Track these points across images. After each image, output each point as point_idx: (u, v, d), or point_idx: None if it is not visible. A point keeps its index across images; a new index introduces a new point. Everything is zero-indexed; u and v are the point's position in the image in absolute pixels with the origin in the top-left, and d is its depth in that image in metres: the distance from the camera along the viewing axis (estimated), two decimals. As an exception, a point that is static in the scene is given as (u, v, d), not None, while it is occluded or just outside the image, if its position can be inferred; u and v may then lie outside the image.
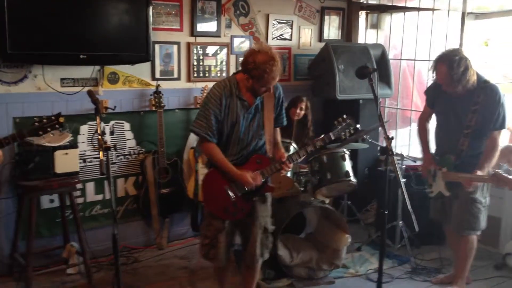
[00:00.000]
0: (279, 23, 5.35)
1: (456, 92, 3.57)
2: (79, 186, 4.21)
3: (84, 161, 4.40)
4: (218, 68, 4.99)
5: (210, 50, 4.92)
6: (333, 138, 3.22)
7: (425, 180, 3.99)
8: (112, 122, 4.52)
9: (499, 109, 3.55)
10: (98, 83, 4.38)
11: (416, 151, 5.56)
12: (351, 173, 4.20)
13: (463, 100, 3.60)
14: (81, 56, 4.03)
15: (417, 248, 4.70)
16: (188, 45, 4.80)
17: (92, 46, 4.09)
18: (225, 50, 5.01)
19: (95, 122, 2.79)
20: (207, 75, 4.94)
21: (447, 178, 3.72)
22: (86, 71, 4.30)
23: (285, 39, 5.43)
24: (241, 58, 3.23)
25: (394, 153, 3.11)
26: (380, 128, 4.18)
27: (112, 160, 4.52)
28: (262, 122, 3.25)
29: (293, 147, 4.14)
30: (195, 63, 4.86)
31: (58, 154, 3.89)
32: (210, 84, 3.54)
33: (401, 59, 5.78)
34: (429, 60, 5.36)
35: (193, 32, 4.79)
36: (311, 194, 4.25)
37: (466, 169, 3.60)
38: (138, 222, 4.80)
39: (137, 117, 4.65)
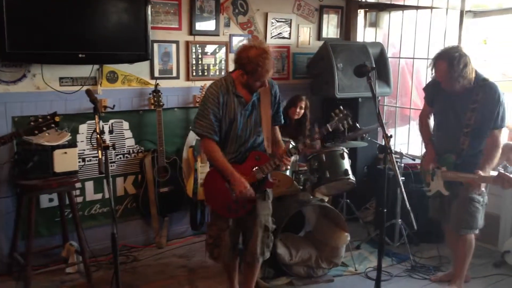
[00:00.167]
0: (277, 21, 5.35)
1: (454, 90, 3.54)
2: (78, 185, 4.21)
3: (83, 160, 4.40)
4: (217, 67, 4.98)
5: (209, 49, 4.92)
6: (330, 129, 3.23)
7: (423, 179, 3.98)
8: (111, 121, 4.51)
9: (498, 107, 3.52)
10: (97, 82, 4.38)
11: (415, 149, 5.57)
12: (350, 172, 4.20)
13: (462, 98, 3.57)
14: (80, 55, 4.03)
15: (416, 246, 4.72)
16: (187, 44, 4.80)
17: (91, 45, 4.09)
18: (224, 49, 5.00)
19: (94, 121, 2.79)
20: (206, 74, 4.94)
21: (446, 177, 3.71)
22: (85, 70, 4.30)
23: (283, 37, 5.43)
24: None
25: (393, 151, 3.12)
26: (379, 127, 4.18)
27: (111, 159, 4.53)
28: (259, 118, 3.27)
29: (292, 145, 4.14)
30: (194, 62, 4.86)
31: (57, 153, 3.89)
32: (209, 83, 3.54)
33: (399, 58, 5.78)
34: (427, 59, 5.35)
35: (191, 31, 4.79)
36: (310, 193, 4.25)
37: (466, 168, 3.58)
38: (137, 221, 4.80)
39: (136, 116, 4.65)
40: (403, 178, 4.34)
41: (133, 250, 4.67)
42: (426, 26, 5.37)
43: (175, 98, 4.80)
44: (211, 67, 4.97)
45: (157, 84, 4.57)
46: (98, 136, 2.74)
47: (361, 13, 5.98)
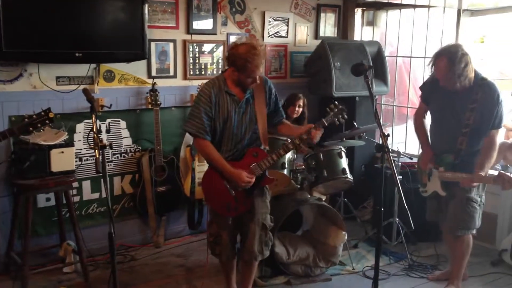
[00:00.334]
0: (275, 20, 5.34)
1: (453, 89, 3.50)
2: (75, 184, 4.20)
3: (80, 159, 4.39)
4: (214, 66, 4.98)
5: (206, 47, 4.92)
6: (326, 124, 3.23)
7: (419, 179, 3.94)
8: (108, 120, 4.51)
9: (497, 107, 3.49)
10: (94, 81, 4.37)
11: (412, 148, 5.58)
12: (347, 171, 4.20)
13: (461, 97, 3.54)
14: (77, 54, 4.01)
15: (414, 245, 4.72)
16: (184, 42, 4.79)
17: (87, 44, 4.08)
18: (221, 48, 5.00)
19: (91, 120, 2.78)
20: (203, 72, 4.94)
21: (444, 178, 3.67)
22: (82, 69, 4.29)
23: (281, 36, 5.43)
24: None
25: (390, 150, 3.11)
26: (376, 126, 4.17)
27: (108, 159, 4.52)
28: (254, 115, 3.29)
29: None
30: (191, 61, 4.85)
31: (54, 152, 3.88)
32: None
33: (397, 56, 5.79)
34: (425, 57, 5.37)
35: (189, 30, 4.78)
36: (307, 192, 4.25)
37: (464, 168, 3.55)
38: (135, 221, 4.79)
39: (133, 115, 4.64)
40: (401, 177, 4.35)
41: (130, 249, 4.67)
42: (424, 25, 5.38)
43: (172, 97, 4.79)
44: (209, 66, 4.96)
45: (154, 83, 4.56)
46: (95, 135, 2.73)
47: (358, 11, 5.98)
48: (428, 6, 5.31)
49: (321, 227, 4.32)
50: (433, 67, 3.59)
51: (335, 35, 5.83)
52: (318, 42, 5.40)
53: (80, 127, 4.36)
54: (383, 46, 5.58)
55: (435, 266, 4.35)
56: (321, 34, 5.70)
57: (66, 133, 4.13)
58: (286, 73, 5.54)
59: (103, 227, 4.44)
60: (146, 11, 4.27)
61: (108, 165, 4.53)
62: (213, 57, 4.97)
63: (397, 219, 4.64)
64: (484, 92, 3.48)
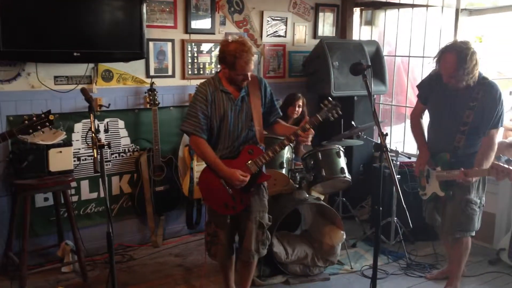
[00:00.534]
0: (273, 20, 5.34)
1: (457, 86, 3.42)
2: (73, 184, 4.20)
3: (79, 159, 4.38)
4: (212, 66, 4.97)
5: (205, 47, 4.91)
6: (320, 119, 3.23)
7: (418, 182, 3.89)
8: (107, 120, 4.50)
9: (498, 107, 3.43)
10: (92, 81, 4.37)
11: (410, 148, 5.58)
12: (346, 170, 4.20)
13: (461, 95, 3.48)
14: (75, 54, 4.01)
15: (412, 244, 4.73)
16: (183, 42, 4.79)
17: (85, 44, 4.07)
18: (219, 48, 4.98)
19: (89, 120, 2.78)
20: (201, 72, 4.93)
21: (441, 177, 3.61)
22: (80, 69, 4.28)
23: (279, 36, 5.42)
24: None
25: (389, 149, 3.11)
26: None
27: (106, 158, 4.52)
28: (250, 113, 3.31)
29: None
30: (190, 61, 4.85)
31: (52, 152, 3.88)
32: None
33: (395, 56, 5.79)
34: (423, 57, 5.37)
35: (187, 29, 4.78)
36: (306, 191, 4.25)
37: (461, 167, 3.45)
38: (133, 220, 4.79)
39: (131, 115, 4.63)
40: (399, 176, 4.35)
41: (129, 249, 4.66)
42: (422, 25, 5.39)
43: (170, 96, 4.79)
44: (207, 66, 4.96)
45: (153, 82, 4.56)
46: (93, 135, 2.73)
47: (356, 11, 5.98)
48: (427, 6, 5.32)
49: (320, 227, 4.32)
50: (438, 62, 3.49)
51: (334, 35, 5.83)
52: (316, 41, 5.40)
53: (78, 127, 4.36)
54: (381, 45, 5.58)
55: (433, 265, 4.35)
56: (320, 33, 5.70)
57: (64, 132, 4.12)
58: (285, 72, 5.54)
59: (102, 226, 4.45)
60: (144, 10, 4.27)
61: (107, 165, 4.53)
62: (211, 57, 4.96)
63: (395, 218, 4.64)
64: (485, 91, 3.42)
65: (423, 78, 4.07)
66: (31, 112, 4.01)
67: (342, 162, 4.20)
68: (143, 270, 4.28)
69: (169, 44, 4.71)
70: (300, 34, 5.58)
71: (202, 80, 3.38)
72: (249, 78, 3.25)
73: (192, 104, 3.28)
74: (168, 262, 4.45)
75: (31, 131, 2.91)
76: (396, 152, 4.63)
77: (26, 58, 3.96)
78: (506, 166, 3.20)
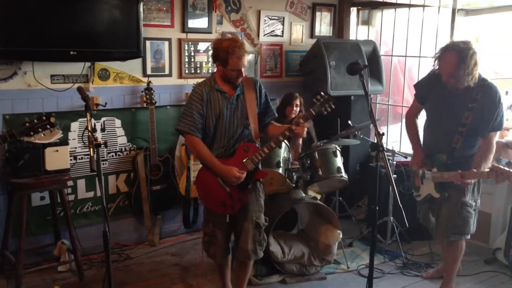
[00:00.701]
0: (270, 19, 5.34)
1: (456, 86, 3.38)
2: (70, 183, 4.20)
3: (75, 158, 4.38)
4: (209, 65, 4.97)
5: (202, 46, 4.91)
6: (314, 113, 3.25)
7: (412, 183, 3.84)
8: (103, 119, 4.50)
9: (498, 109, 3.40)
10: (89, 80, 4.36)
11: (407, 147, 5.58)
12: (342, 169, 4.21)
13: (460, 96, 3.43)
14: (72, 53, 4.00)
15: (408, 244, 4.74)
16: (179, 41, 4.78)
17: (82, 43, 4.07)
18: (216, 47, 4.99)
19: (85, 119, 2.78)
20: (198, 71, 4.93)
21: (437, 178, 3.57)
22: (77, 68, 4.28)
23: (276, 35, 5.43)
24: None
25: (385, 149, 3.11)
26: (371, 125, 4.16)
27: (103, 157, 4.51)
28: (245, 111, 3.33)
29: (285, 143, 4.14)
30: (187, 60, 4.85)
31: (48, 151, 3.88)
32: (201, 81, 3.56)
33: (392, 56, 5.80)
34: (420, 57, 5.38)
35: (184, 29, 4.78)
36: (302, 190, 4.25)
37: (456, 170, 3.42)
38: (130, 219, 4.79)
39: (128, 114, 4.63)
40: (395, 176, 4.36)
41: (125, 248, 4.66)
42: (418, 24, 5.39)
43: (167, 95, 4.79)
44: (204, 65, 4.96)
45: (150, 81, 4.56)
46: (89, 133, 2.73)
47: (353, 11, 5.98)
48: (423, 6, 5.32)
49: (316, 226, 4.33)
50: (438, 61, 3.45)
51: (331, 34, 5.84)
52: (313, 41, 5.41)
53: (75, 126, 4.35)
54: (378, 45, 5.59)
55: (429, 264, 4.36)
56: (317, 33, 5.71)
57: (61, 131, 4.12)
58: (282, 72, 5.54)
59: (98, 225, 4.44)
60: (141, 9, 4.26)
61: (103, 164, 4.52)
62: (208, 56, 4.96)
63: (391, 218, 4.65)
64: (484, 93, 3.38)
65: (420, 77, 4.05)
66: (27, 111, 4.05)
67: (339, 161, 4.21)
68: (139, 269, 4.28)
69: (166, 43, 4.71)
70: (297, 34, 5.58)
71: (199, 79, 3.40)
72: (243, 75, 3.28)
73: (188, 104, 3.33)
74: (164, 261, 4.45)
75: (32, 133, 2.91)
76: (393, 151, 4.64)
77: (22, 57, 3.95)
78: (506, 168, 3.16)
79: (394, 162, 4.63)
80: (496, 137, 3.55)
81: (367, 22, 6.11)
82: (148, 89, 4.52)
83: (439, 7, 5.18)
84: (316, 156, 4.18)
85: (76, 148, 4.37)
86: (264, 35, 5.32)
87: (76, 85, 3.99)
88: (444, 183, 3.56)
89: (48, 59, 4.08)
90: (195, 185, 3.65)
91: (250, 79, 3.42)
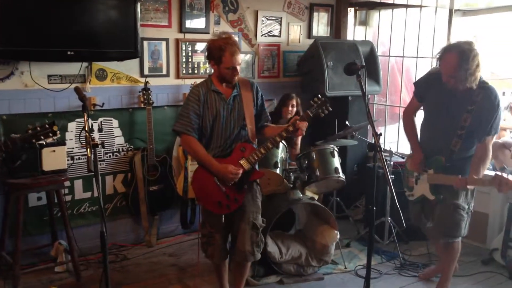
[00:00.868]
0: (268, 19, 5.34)
1: (455, 87, 3.33)
2: (67, 183, 4.18)
3: (72, 158, 4.37)
4: (207, 65, 4.97)
5: (199, 46, 4.91)
6: (311, 115, 3.27)
7: (405, 182, 3.82)
8: (100, 119, 4.49)
9: (496, 114, 3.36)
10: (86, 80, 4.35)
11: (404, 148, 5.59)
12: (340, 170, 4.21)
13: (460, 97, 3.39)
14: (69, 53, 4.00)
15: (406, 244, 4.74)
16: (177, 41, 4.78)
17: (79, 43, 4.06)
18: (214, 47, 4.98)
19: (83, 119, 2.77)
20: (196, 71, 4.93)
21: (434, 180, 3.54)
22: (74, 68, 4.27)
23: (274, 35, 5.43)
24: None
25: (383, 149, 3.10)
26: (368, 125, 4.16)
27: (100, 158, 4.50)
28: (242, 111, 3.35)
29: (282, 143, 4.14)
30: (184, 60, 4.84)
31: (45, 151, 3.87)
32: (199, 81, 3.57)
33: (389, 56, 5.80)
34: (417, 57, 5.39)
35: (181, 29, 4.78)
36: (300, 191, 4.25)
37: (455, 172, 3.42)
38: (127, 220, 4.78)
39: (125, 114, 4.62)
40: (393, 176, 4.36)
41: (122, 248, 4.65)
42: (416, 25, 5.40)
43: (165, 96, 4.79)
44: (201, 65, 4.96)
45: (147, 82, 4.56)
46: (87, 134, 2.72)
47: (351, 11, 5.99)
48: (420, 6, 5.33)
49: (314, 226, 4.33)
50: (440, 61, 3.38)
51: (328, 35, 5.84)
52: (311, 41, 5.41)
53: (72, 126, 4.34)
54: (375, 45, 5.59)
55: (427, 265, 4.36)
56: (314, 33, 5.71)
57: (58, 131, 4.10)
58: (279, 72, 5.54)
59: (95, 226, 4.44)
60: (138, 9, 4.26)
61: (100, 164, 4.51)
62: (205, 56, 4.94)
63: (389, 218, 4.65)
64: (484, 96, 3.33)
65: (417, 78, 4.03)
66: (24, 111, 4.05)
67: (336, 162, 4.21)
68: (137, 269, 4.27)
69: (164, 43, 4.71)
70: (294, 34, 5.58)
71: (197, 80, 3.40)
72: (239, 72, 3.30)
73: (184, 105, 3.35)
74: (162, 261, 4.45)
75: (34, 140, 2.90)
76: (390, 152, 4.65)
77: (19, 57, 3.94)
78: (511, 178, 3.11)
79: (392, 163, 4.63)
80: (493, 141, 3.51)
81: (364, 22, 6.12)
82: (146, 90, 4.51)
83: (436, 8, 5.19)
84: (314, 156, 4.18)
85: (73, 148, 4.36)
86: (261, 36, 5.32)
87: (73, 85, 3.98)
88: (439, 185, 3.54)
89: (45, 59, 4.07)
90: (191, 185, 3.64)
91: (247, 81, 3.45)
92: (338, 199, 5.08)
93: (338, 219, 4.66)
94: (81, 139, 2.77)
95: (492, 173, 4.27)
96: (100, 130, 4.49)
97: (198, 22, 4.86)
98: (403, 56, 5.63)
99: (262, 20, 5.30)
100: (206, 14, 4.88)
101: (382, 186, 4.57)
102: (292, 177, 4.22)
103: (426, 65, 5.24)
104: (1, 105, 3.98)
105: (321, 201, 4.78)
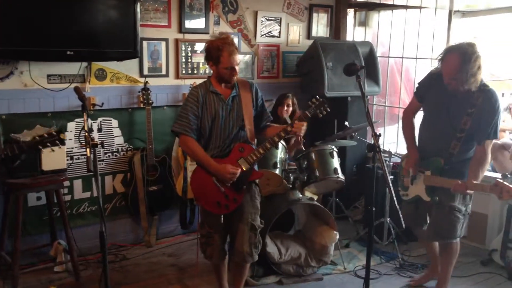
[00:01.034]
0: (267, 20, 5.35)
1: (456, 89, 3.30)
2: (66, 183, 4.18)
3: (72, 158, 4.37)
4: (206, 65, 4.95)
5: (199, 47, 4.91)
6: (309, 115, 3.29)
7: (400, 182, 3.80)
8: (100, 119, 4.49)
9: (496, 117, 3.33)
10: (86, 80, 4.35)
11: (403, 148, 5.59)
12: (339, 170, 4.21)
13: (460, 100, 3.36)
14: (68, 53, 4.00)
15: (405, 245, 4.75)
16: (176, 41, 4.78)
17: (79, 42, 4.06)
18: (213, 47, 4.98)
19: (82, 119, 2.77)
20: (195, 72, 4.93)
21: (431, 182, 3.52)
22: (73, 68, 4.27)
23: (273, 36, 5.43)
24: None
25: (382, 150, 3.10)
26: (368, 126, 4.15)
27: (99, 157, 4.50)
28: (241, 112, 3.36)
29: (281, 144, 4.14)
30: (184, 60, 4.85)
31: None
32: (199, 81, 3.58)
33: (389, 57, 5.81)
34: (416, 58, 5.40)
35: (181, 29, 4.78)
36: (299, 191, 4.25)
37: (453, 175, 3.40)
38: (126, 220, 4.78)
39: (125, 114, 4.62)
40: (392, 177, 4.36)
41: (122, 248, 4.65)
42: (415, 26, 5.41)
43: (164, 96, 4.79)
44: (201, 65, 4.96)
45: (146, 82, 4.56)
46: (86, 134, 2.72)
47: (350, 12, 6.00)
48: (420, 7, 5.34)
49: (313, 227, 4.33)
50: (442, 62, 3.35)
51: (328, 35, 5.85)
52: (310, 42, 5.41)
53: (71, 126, 4.34)
54: (375, 46, 5.60)
55: (426, 265, 4.35)
56: (314, 34, 5.72)
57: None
58: (278, 73, 5.54)
59: (95, 226, 4.44)
60: (138, 9, 4.26)
61: (100, 164, 4.51)
62: (204, 57, 4.93)
63: (388, 219, 4.66)
64: (485, 99, 3.30)
65: (417, 79, 4.03)
66: (24, 111, 4.05)
67: (336, 162, 4.21)
68: (136, 269, 4.27)
69: (163, 43, 4.71)
70: (294, 35, 5.59)
71: (196, 80, 3.40)
72: (237, 72, 3.31)
73: (183, 106, 3.36)
74: (161, 261, 4.45)
75: (40, 147, 2.91)
76: (389, 152, 4.65)
77: (19, 56, 3.94)
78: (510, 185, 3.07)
79: (391, 163, 4.64)
80: (492, 145, 3.48)
81: (364, 23, 6.13)
82: (145, 90, 4.52)
83: (435, 9, 5.20)
84: (313, 157, 4.18)
85: (72, 148, 4.36)
86: (261, 36, 5.33)
87: (73, 85, 3.99)
88: (435, 187, 3.52)
89: (45, 59, 4.07)
90: (190, 185, 3.64)
91: (246, 82, 3.46)
92: (337, 199, 5.08)
93: (338, 219, 4.67)
94: (80, 139, 2.77)
95: (492, 174, 4.30)
96: (99, 130, 4.49)
97: (197, 23, 4.87)
98: (402, 57, 5.63)
99: (262, 20, 5.30)
100: (205, 15, 4.88)
101: (381, 187, 4.57)
102: (292, 177, 4.22)
103: (425, 66, 5.25)
104: (1, 104, 3.98)
105: (321, 201, 4.79)
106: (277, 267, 4.08)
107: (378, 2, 5.67)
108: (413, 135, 3.77)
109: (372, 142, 2.98)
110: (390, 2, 5.67)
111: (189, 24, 4.81)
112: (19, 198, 3.74)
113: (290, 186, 4.22)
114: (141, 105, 4.56)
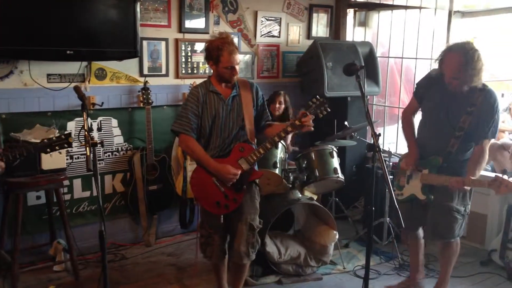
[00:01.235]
0: (267, 20, 5.35)
1: (457, 88, 3.29)
2: (66, 182, 4.17)
3: (71, 157, 4.37)
4: (206, 65, 4.96)
5: (198, 46, 4.91)
6: (309, 115, 3.24)
7: (396, 181, 3.78)
8: (100, 118, 4.49)
9: (495, 117, 3.33)
10: (85, 79, 4.35)
11: (403, 148, 5.60)
12: (339, 170, 4.21)
13: (460, 99, 3.36)
14: (68, 52, 4.00)
15: (404, 244, 4.74)
16: (176, 41, 4.78)
17: (79, 42, 4.06)
18: (213, 47, 4.99)
19: (82, 118, 2.77)
20: (195, 71, 4.93)
21: (428, 180, 3.51)
22: (73, 67, 4.27)
23: (273, 36, 5.43)
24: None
25: (382, 150, 3.10)
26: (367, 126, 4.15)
27: (99, 157, 4.50)
28: (241, 112, 3.35)
29: (281, 143, 4.14)
30: (183, 60, 4.85)
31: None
32: (198, 81, 3.58)
33: (388, 57, 5.81)
34: (416, 58, 5.40)
35: (181, 29, 4.78)
36: (299, 191, 4.26)
37: (449, 174, 3.38)
38: (126, 219, 4.78)
39: (125, 114, 4.63)
40: (391, 176, 4.35)
41: (121, 248, 4.66)
42: (415, 26, 5.41)
43: (164, 95, 4.79)
44: (201, 65, 4.96)
45: (146, 81, 4.56)
46: (86, 133, 2.72)
47: (350, 12, 6.00)
48: (420, 8, 5.34)
49: (313, 227, 4.34)
50: (442, 62, 3.34)
51: (327, 35, 5.85)
52: (310, 42, 5.41)
53: (71, 125, 4.34)
54: (374, 46, 5.60)
55: (425, 265, 4.36)
56: (313, 34, 5.72)
57: (57, 131, 4.11)
58: (278, 73, 5.55)
59: (94, 225, 4.44)
60: (138, 9, 4.26)
61: (99, 163, 4.51)
62: (204, 57, 4.93)
63: (387, 218, 4.66)
64: (484, 98, 3.30)
65: (417, 79, 4.03)
66: (24, 110, 4.05)
67: (335, 162, 4.22)
68: (135, 269, 4.28)
69: (163, 43, 4.71)
70: (294, 35, 5.59)
71: (196, 80, 3.40)
72: (237, 72, 3.31)
73: (183, 105, 3.36)
74: (160, 261, 4.45)
75: (48, 150, 2.91)
76: (389, 152, 4.66)
77: (19, 56, 3.94)
78: (511, 180, 3.09)
79: (391, 163, 4.63)
80: (489, 145, 3.48)
81: (363, 23, 6.13)
82: (145, 89, 4.52)
83: (435, 9, 5.20)
84: (313, 157, 4.18)
85: (72, 147, 4.35)
86: (261, 36, 5.33)
87: (73, 85, 4.00)
88: (431, 186, 3.52)
89: (45, 58, 4.07)
90: (190, 185, 3.64)
91: (246, 82, 3.45)
92: (337, 199, 5.08)
93: (337, 219, 4.65)
94: (80, 138, 2.77)
95: (491, 174, 4.30)
96: (99, 129, 4.49)
97: (197, 22, 4.87)
98: (402, 57, 5.64)
99: (262, 20, 5.30)
100: (205, 14, 4.88)
101: (381, 187, 4.58)
102: (291, 177, 4.22)
103: (425, 66, 5.25)
104: (1, 103, 3.98)
105: (320, 201, 4.78)
106: (276, 266, 4.08)
107: (378, 2, 5.67)
108: (413, 135, 3.77)
109: (372, 142, 2.98)
110: (390, 2, 5.68)
111: (189, 24, 4.81)
112: (18, 197, 3.74)
113: (290, 185, 4.22)
114: (141, 105, 4.56)
